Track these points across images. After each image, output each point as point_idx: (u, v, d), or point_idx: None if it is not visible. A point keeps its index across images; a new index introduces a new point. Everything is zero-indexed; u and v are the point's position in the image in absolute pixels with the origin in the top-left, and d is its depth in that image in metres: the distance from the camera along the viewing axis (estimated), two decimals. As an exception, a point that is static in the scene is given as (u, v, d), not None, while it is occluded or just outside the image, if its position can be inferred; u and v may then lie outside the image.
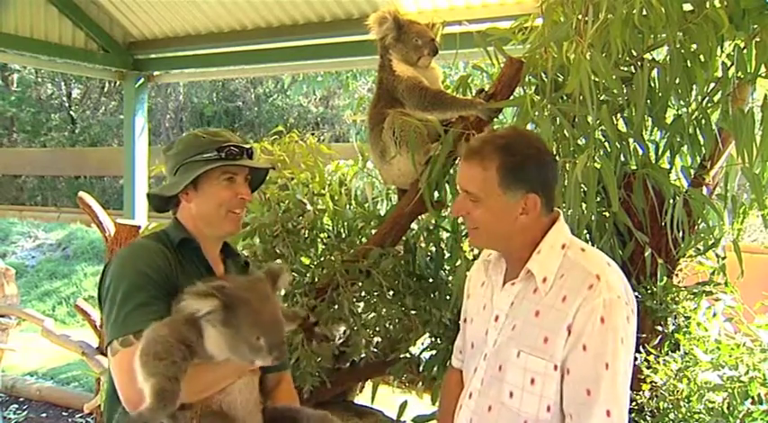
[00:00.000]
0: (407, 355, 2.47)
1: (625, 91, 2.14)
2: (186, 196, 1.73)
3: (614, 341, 1.46)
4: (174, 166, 1.74)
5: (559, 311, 1.50)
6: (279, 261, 2.49)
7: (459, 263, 2.43)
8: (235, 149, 1.71)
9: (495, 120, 2.38)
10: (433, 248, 2.57)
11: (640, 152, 2.27)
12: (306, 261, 2.52)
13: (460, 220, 1.64)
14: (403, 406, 2.55)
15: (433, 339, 2.47)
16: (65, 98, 17.08)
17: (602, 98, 2.18)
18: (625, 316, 1.49)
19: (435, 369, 2.43)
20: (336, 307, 2.36)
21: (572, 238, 1.61)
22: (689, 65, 2.09)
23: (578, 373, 1.47)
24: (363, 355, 2.47)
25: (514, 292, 1.60)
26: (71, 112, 16.88)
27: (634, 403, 2.17)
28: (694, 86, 2.13)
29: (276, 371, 1.79)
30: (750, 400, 2.00)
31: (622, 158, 2.26)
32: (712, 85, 2.15)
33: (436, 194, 2.42)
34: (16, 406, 5.57)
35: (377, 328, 2.46)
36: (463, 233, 2.42)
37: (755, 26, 2.06)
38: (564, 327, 1.48)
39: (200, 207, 1.73)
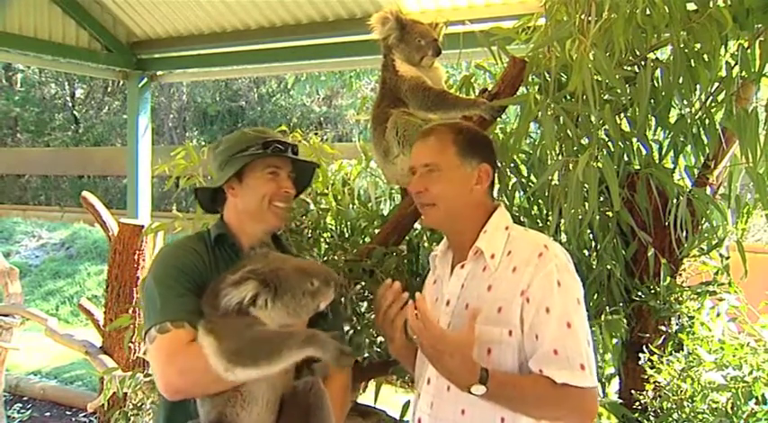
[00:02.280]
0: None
1: (628, 90, 2.14)
2: (232, 191, 1.80)
3: (573, 302, 1.54)
4: (221, 162, 1.81)
5: (511, 281, 1.57)
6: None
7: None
8: (279, 145, 1.78)
9: (499, 119, 2.37)
10: (436, 248, 2.57)
11: (644, 152, 2.27)
12: (309, 261, 2.52)
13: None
14: (406, 406, 2.55)
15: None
16: (68, 98, 17.12)
17: (605, 97, 2.18)
18: (576, 279, 1.58)
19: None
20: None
21: (514, 224, 1.71)
22: (692, 64, 2.08)
23: (545, 335, 1.52)
24: (366, 355, 2.47)
25: (464, 275, 1.67)
26: (74, 112, 16.92)
27: (638, 403, 2.17)
28: (698, 86, 2.13)
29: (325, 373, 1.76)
30: (754, 400, 2.00)
31: (626, 158, 2.26)
32: (716, 84, 2.14)
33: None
34: (20, 405, 5.60)
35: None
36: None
37: (760, 25, 2.06)
38: (517, 293, 1.55)
39: (244, 200, 1.79)
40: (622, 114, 2.28)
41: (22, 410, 5.50)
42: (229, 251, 1.79)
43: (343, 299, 1.83)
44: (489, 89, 2.37)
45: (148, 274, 1.74)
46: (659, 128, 2.28)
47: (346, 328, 2.45)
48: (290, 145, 1.82)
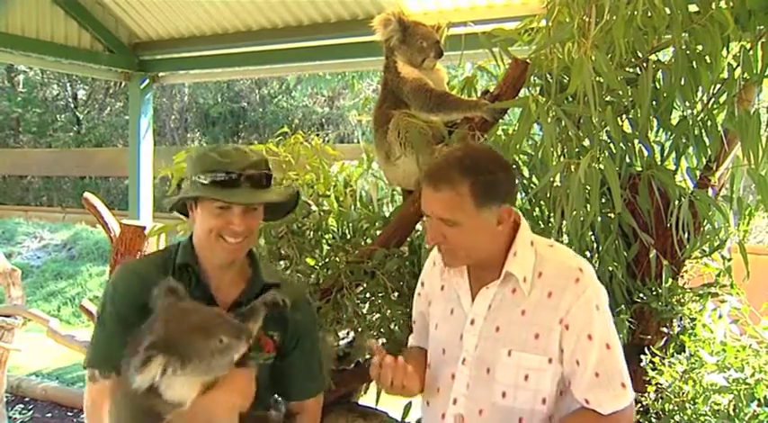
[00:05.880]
0: (412, 356, 2.46)
1: (630, 92, 2.14)
2: (190, 211, 1.65)
3: (609, 324, 1.56)
4: (185, 175, 1.68)
5: (547, 307, 1.54)
6: (283, 262, 2.49)
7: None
8: (245, 176, 1.58)
9: (501, 121, 2.37)
10: (438, 249, 2.57)
11: (646, 153, 2.27)
12: (311, 262, 2.52)
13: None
14: (407, 407, 2.55)
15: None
16: (70, 99, 17.13)
17: (607, 99, 2.18)
18: (607, 298, 1.60)
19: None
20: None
21: (534, 236, 1.65)
22: (694, 66, 2.08)
23: (588, 360, 1.52)
24: (368, 357, 2.47)
25: (491, 296, 1.61)
26: (76, 113, 16.93)
27: (639, 405, 2.16)
28: (700, 87, 2.12)
29: (299, 398, 1.80)
30: (756, 402, 2.00)
31: (627, 160, 2.26)
32: (718, 86, 2.14)
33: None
34: (22, 406, 5.59)
35: (381, 330, 2.46)
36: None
37: (761, 27, 2.05)
38: (556, 320, 1.53)
39: (196, 228, 1.65)
40: (624, 116, 2.28)
41: (24, 411, 5.49)
42: (192, 279, 1.65)
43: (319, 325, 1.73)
44: (491, 91, 2.37)
45: None
46: (661, 129, 2.28)
47: (347, 329, 2.45)
48: (253, 175, 1.59)
